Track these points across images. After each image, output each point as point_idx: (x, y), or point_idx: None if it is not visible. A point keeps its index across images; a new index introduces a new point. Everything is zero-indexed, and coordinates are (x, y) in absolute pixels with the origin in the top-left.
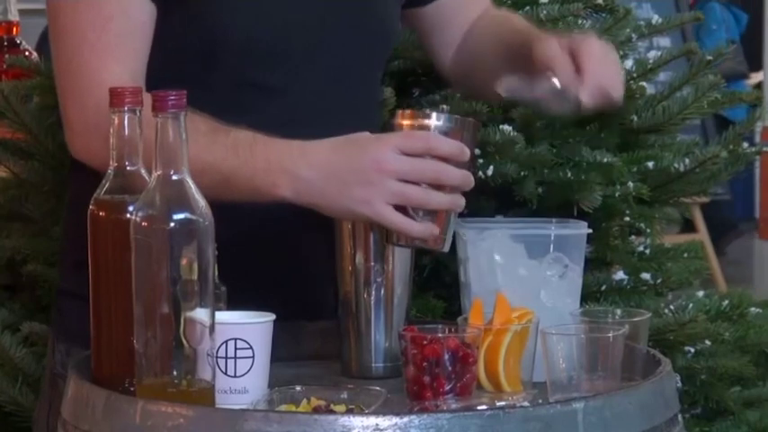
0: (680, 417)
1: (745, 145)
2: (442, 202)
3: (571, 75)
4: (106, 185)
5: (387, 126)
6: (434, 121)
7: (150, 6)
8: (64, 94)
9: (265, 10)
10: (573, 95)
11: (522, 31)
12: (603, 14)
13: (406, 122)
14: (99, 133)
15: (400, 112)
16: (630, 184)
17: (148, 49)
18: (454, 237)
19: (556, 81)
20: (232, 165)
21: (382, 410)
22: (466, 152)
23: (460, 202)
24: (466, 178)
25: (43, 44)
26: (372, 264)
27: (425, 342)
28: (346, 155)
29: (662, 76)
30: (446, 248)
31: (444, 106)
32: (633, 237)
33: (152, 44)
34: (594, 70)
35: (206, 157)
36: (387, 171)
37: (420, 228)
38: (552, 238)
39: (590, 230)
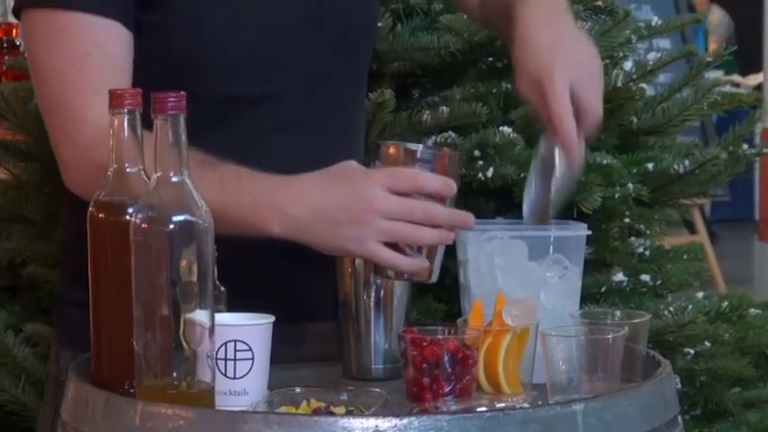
0: (680, 418)
1: (745, 146)
2: (431, 237)
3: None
4: (106, 187)
5: (371, 155)
6: (420, 155)
7: (127, 35)
8: (53, 134)
9: (244, 24)
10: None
11: (504, 17)
12: (603, 16)
13: (391, 156)
14: (91, 170)
15: (385, 145)
16: (630, 185)
17: (130, 78)
18: (454, 238)
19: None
20: (220, 200)
21: (382, 412)
22: (453, 187)
23: (450, 236)
24: (453, 216)
25: None
26: (372, 264)
27: (425, 344)
28: (336, 194)
29: (662, 78)
30: (434, 280)
31: (427, 143)
32: (633, 238)
33: (134, 66)
34: (568, 128)
35: None
36: (377, 210)
37: (410, 262)
38: (551, 239)
39: (589, 232)
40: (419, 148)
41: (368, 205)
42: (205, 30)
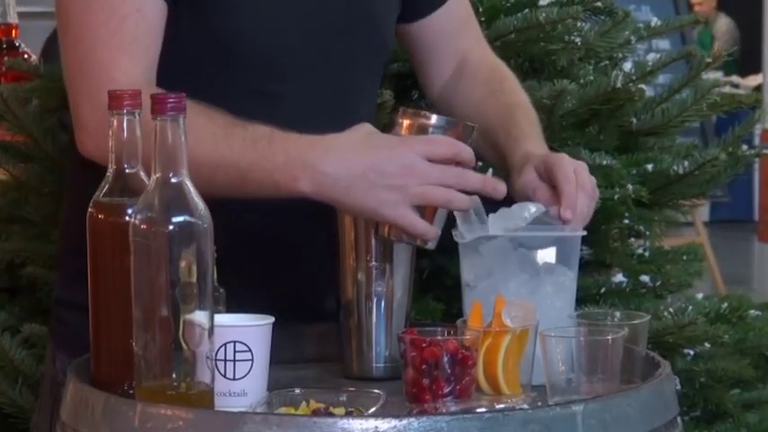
0: (679, 419)
1: (744, 147)
2: (462, 201)
3: (551, 198)
4: (105, 188)
5: (390, 123)
6: (435, 122)
7: (163, 5)
8: (77, 94)
9: (275, 19)
10: (554, 215)
11: (498, 130)
12: (602, 17)
13: (407, 122)
14: None
15: (402, 110)
16: (630, 186)
17: (159, 49)
18: (455, 240)
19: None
20: (250, 158)
21: (381, 413)
22: (474, 158)
23: (473, 199)
24: (486, 183)
25: (51, 48)
26: (373, 265)
27: (424, 345)
28: (374, 157)
29: (661, 79)
30: (432, 246)
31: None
32: (632, 239)
33: (162, 50)
34: (570, 193)
35: (223, 149)
36: (415, 176)
37: (435, 231)
38: (549, 240)
39: (585, 232)
40: (433, 116)
41: (407, 171)
42: (239, 16)
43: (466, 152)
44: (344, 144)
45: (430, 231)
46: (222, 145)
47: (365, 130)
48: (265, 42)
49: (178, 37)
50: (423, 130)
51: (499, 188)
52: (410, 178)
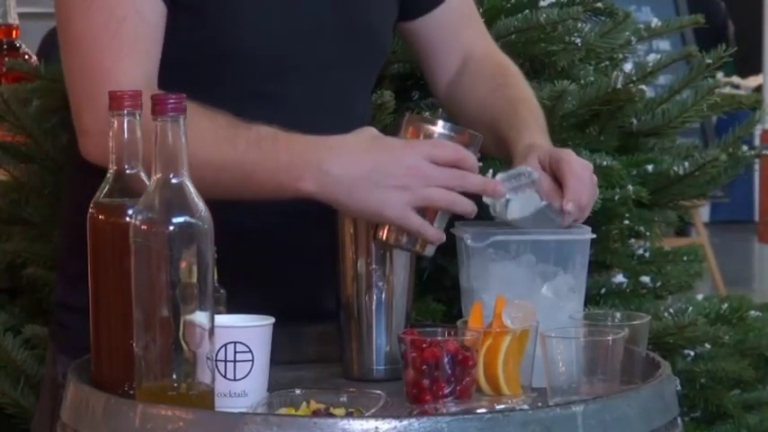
0: (679, 420)
1: (745, 148)
2: (465, 204)
3: (553, 190)
4: (105, 189)
5: (396, 128)
6: (441, 129)
7: (162, 6)
8: (78, 98)
9: (273, 22)
10: (556, 208)
11: (502, 122)
12: (603, 18)
13: (412, 128)
14: None
15: (408, 115)
16: (630, 187)
17: (160, 50)
18: (456, 240)
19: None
20: (254, 158)
21: (382, 414)
22: (477, 166)
23: (475, 207)
24: (486, 185)
25: (47, 48)
26: (373, 267)
27: (425, 345)
28: (378, 158)
29: (661, 80)
30: (430, 253)
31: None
32: (633, 240)
33: (162, 53)
34: (576, 188)
35: (227, 150)
36: (420, 177)
37: (435, 232)
38: (555, 243)
39: (594, 235)
40: (439, 122)
41: (411, 172)
42: (239, 22)
43: (470, 158)
44: (349, 145)
45: (436, 234)
46: (225, 145)
47: (370, 133)
48: (265, 47)
49: (177, 40)
50: (428, 136)
51: (499, 189)
52: (414, 179)
